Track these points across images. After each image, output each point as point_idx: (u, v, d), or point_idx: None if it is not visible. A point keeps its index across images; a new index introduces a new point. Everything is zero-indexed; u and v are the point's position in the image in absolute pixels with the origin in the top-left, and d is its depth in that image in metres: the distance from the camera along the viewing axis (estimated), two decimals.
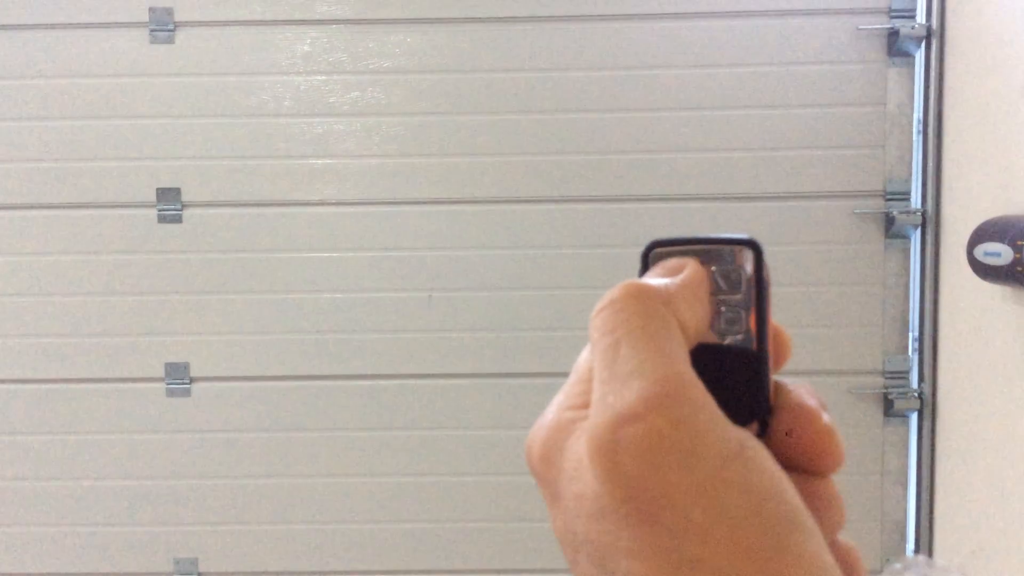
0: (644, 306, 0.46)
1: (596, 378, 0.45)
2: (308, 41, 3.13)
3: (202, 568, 3.25)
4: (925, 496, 3.06)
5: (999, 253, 2.29)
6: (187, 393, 3.18)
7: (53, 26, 3.11)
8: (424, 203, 3.15)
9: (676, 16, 3.07)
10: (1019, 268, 2.20)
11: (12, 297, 3.20)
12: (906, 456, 3.14)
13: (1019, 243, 2.19)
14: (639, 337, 0.45)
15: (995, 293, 2.55)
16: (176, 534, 3.25)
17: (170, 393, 3.18)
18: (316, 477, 3.23)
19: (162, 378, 3.18)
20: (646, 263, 0.52)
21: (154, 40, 3.11)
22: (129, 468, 3.23)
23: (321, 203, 3.16)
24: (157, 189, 3.13)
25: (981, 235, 2.42)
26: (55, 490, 3.25)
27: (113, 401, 3.22)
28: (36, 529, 3.26)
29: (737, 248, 0.50)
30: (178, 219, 3.13)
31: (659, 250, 0.52)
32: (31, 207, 3.17)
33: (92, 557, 3.27)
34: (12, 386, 3.22)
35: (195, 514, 3.25)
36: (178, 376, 3.18)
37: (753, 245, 0.50)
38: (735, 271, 0.50)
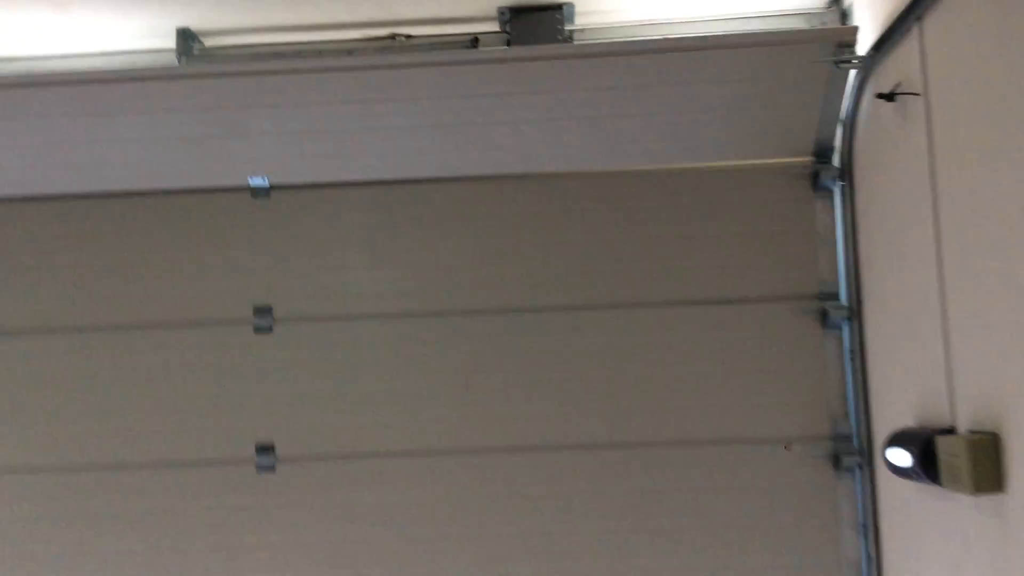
0: None
1: None
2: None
3: None
4: None
5: (903, 458, 2.98)
6: None
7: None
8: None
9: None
10: (917, 470, 2.89)
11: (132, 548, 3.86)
12: None
13: (917, 450, 2.88)
14: None
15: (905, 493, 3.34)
16: None
17: None
18: None
19: None
20: None
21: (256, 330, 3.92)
22: None
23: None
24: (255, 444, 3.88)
25: (890, 443, 3.14)
26: None
27: None
28: None
29: None
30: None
31: None
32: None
33: None
34: None
35: None
36: None
37: None
38: None
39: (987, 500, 2.64)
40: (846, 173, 3.81)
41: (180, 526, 3.89)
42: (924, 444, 2.85)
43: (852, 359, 3.83)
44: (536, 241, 4.00)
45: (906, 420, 3.28)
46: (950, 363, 2.88)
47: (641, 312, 3.92)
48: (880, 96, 3.26)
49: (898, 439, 3.08)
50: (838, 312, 3.83)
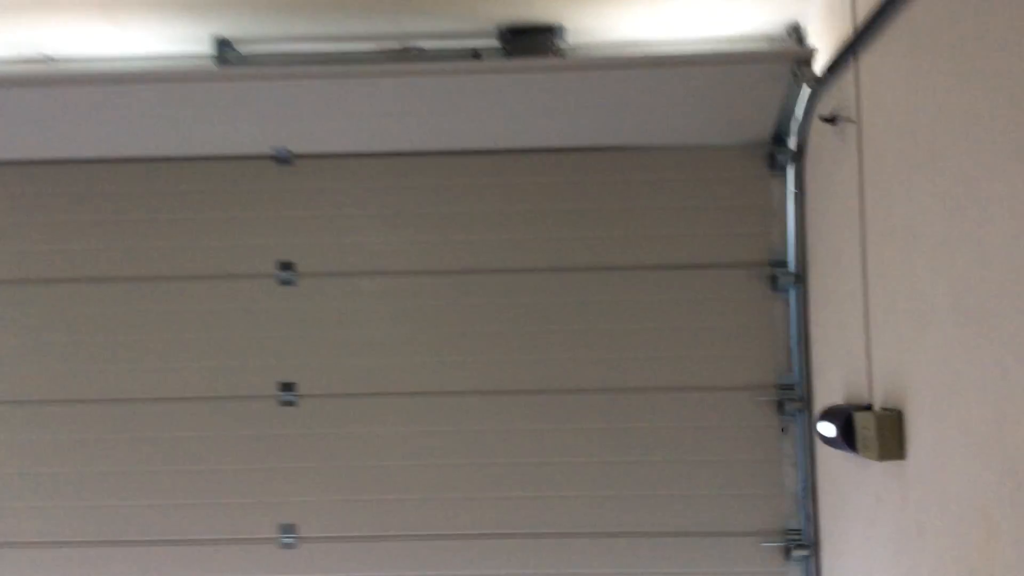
0: None
1: None
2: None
3: None
4: None
5: (830, 430, 3.45)
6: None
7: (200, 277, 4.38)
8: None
9: None
10: (840, 440, 3.35)
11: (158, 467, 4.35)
12: None
13: (839, 423, 3.33)
14: None
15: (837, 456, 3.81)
16: None
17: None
18: None
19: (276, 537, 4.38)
20: None
21: (281, 283, 4.39)
22: None
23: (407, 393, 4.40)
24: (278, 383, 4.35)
25: (821, 417, 3.62)
26: None
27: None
28: None
29: None
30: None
31: None
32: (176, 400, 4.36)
33: None
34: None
35: None
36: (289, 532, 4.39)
37: None
38: None
39: (891, 465, 3.09)
40: (799, 159, 4.28)
41: (210, 451, 4.39)
42: (845, 419, 3.31)
43: (797, 319, 4.32)
44: (528, 209, 4.45)
45: (837, 396, 3.78)
46: (869, 350, 3.34)
47: (616, 274, 4.40)
48: (822, 119, 3.71)
49: (827, 414, 3.55)
50: (786, 278, 4.34)
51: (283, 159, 4.49)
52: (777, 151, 4.39)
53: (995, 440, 2.41)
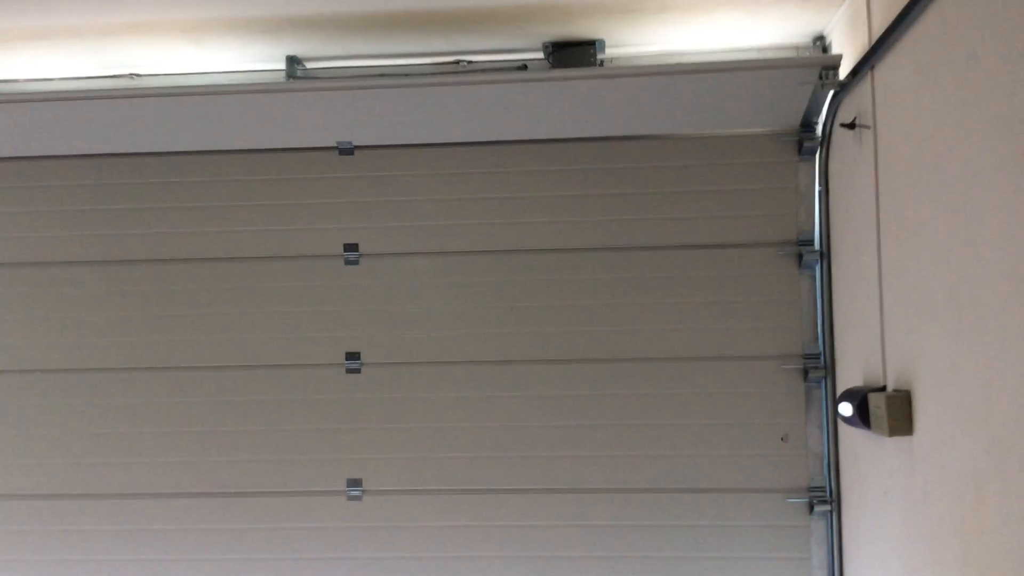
0: None
1: None
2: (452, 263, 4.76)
3: None
4: None
5: (848, 409, 3.72)
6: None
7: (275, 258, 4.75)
8: None
9: None
10: (856, 418, 3.63)
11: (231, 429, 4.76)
12: None
13: (855, 403, 3.62)
14: None
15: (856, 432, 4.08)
16: None
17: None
18: None
19: (344, 491, 4.77)
20: None
21: (347, 262, 4.72)
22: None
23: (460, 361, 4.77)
24: (345, 352, 4.70)
25: (840, 398, 3.90)
26: None
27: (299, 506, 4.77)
28: None
29: None
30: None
31: None
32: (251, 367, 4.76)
33: None
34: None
35: None
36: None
37: None
38: None
39: (901, 440, 3.37)
40: (823, 149, 4.50)
41: (285, 413, 4.78)
42: (861, 399, 3.60)
43: (821, 293, 4.56)
44: (574, 193, 4.75)
45: (857, 378, 4.05)
46: (883, 335, 3.61)
47: (654, 253, 4.69)
48: (843, 125, 3.98)
49: (845, 395, 3.85)
50: (811, 256, 4.58)
51: (347, 151, 4.83)
52: (805, 138, 4.63)
53: (983, 418, 2.69)
